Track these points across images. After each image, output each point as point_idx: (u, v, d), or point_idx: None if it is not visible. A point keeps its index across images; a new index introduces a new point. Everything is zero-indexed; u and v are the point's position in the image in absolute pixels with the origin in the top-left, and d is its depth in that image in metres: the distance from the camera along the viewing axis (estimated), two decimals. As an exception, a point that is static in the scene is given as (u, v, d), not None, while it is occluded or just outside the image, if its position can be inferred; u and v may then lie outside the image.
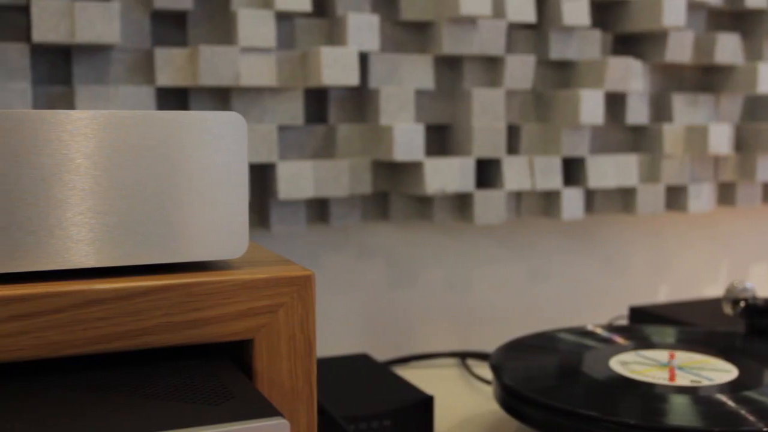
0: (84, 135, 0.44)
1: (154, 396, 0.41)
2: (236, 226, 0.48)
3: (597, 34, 1.04)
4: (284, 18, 0.92)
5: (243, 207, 0.48)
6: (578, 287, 1.11)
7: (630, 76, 1.02)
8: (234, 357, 0.51)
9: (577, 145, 1.02)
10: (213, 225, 0.48)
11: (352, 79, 0.89)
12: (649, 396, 0.65)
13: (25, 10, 0.84)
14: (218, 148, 0.47)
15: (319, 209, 0.96)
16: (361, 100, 0.96)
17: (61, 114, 0.44)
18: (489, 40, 0.97)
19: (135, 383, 0.44)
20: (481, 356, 1.00)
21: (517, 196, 1.03)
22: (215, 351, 0.50)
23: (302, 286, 0.48)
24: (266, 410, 0.39)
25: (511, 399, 0.68)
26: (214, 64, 0.85)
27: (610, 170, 1.04)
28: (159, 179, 0.46)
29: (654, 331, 0.82)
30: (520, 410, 0.67)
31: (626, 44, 1.09)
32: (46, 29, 0.80)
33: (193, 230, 0.47)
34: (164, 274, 0.47)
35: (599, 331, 0.82)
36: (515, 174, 0.99)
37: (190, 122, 0.46)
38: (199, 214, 0.47)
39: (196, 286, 0.46)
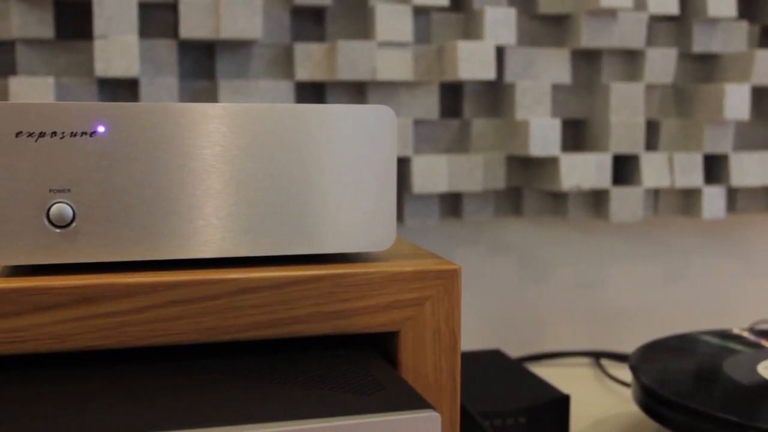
0: (240, 127, 0.46)
1: (305, 384, 0.42)
2: (384, 218, 0.49)
3: (743, 26, 1.00)
4: (421, 12, 0.92)
5: (391, 200, 0.49)
6: (717, 289, 1.07)
7: (778, 69, 0.98)
8: (377, 348, 0.52)
9: (719, 142, 0.98)
10: (362, 217, 0.48)
11: (489, 73, 0.88)
12: (801, 404, 0.62)
13: (173, 7, 0.87)
14: (369, 141, 0.48)
15: (452, 204, 0.96)
16: (496, 94, 0.95)
17: (219, 107, 0.45)
18: (629, 32, 0.95)
19: (285, 370, 0.44)
20: (616, 356, 0.98)
21: (655, 194, 1.00)
22: (358, 341, 0.51)
23: (449, 280, 0.48)
24: (417, 402, 0.39)
25: (651, 400, 0.66)
26: (352, 58, 0.86)
27: (755, 168, 0.99)
28: (311, 171, 0.47)
29: (803, 337, 0.78)
30: (660, 412, 0.65)
31: (774, 36, 1.05)
32: (192, 25, 0.83)
33: (343, 222, 0.48)
34: (314, 264, 0.48)
35: (745, 334, 0.79)
36: (654, 171, 0.96)
37: (342, 115, 0.47)
38: (349, 206, 0.48)
39: (345, 277, 0.46)
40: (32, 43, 0.83)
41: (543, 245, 1.00)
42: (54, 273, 0.45)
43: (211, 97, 0.87)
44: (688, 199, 1.00)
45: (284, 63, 0.89)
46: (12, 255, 0.44)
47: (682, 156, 0.97)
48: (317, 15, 0.91)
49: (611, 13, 0.93)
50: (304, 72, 0.87)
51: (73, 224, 0.44)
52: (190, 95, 0.87)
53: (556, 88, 0.97)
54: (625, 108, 0.95)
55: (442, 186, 0.90)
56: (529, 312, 1.00)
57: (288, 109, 0.46)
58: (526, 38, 0.96)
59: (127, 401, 0.39)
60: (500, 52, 0.94)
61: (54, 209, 0.44)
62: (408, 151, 0.89)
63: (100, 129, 0.44)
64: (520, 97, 0.91)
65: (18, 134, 0.43)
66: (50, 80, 0.80)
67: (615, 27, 0.94)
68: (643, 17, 0.95)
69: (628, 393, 0.87)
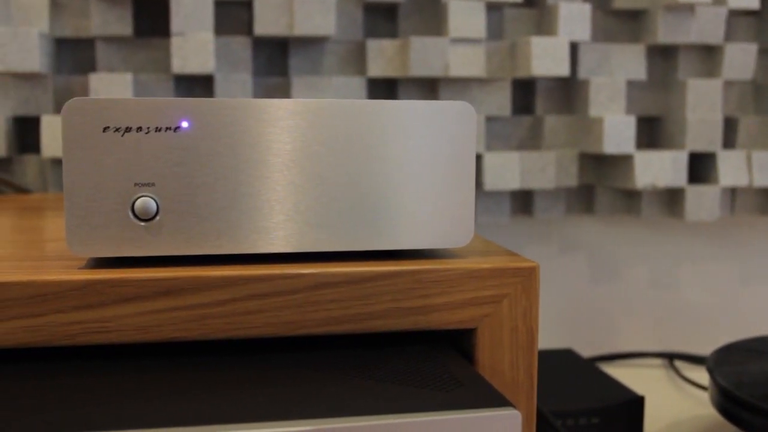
0: (321, 123, 0.46)
1: (384, 379, 0.42)
2: (463, 215, 0.48)
3: (827, 21, 0.97)
4: (494, 8, 0.91)
5: (470, 196, 0.48)
6: (796, 290, 1.05)
7: None
8: (453, 345, 0.52)
9: (800, 139, 0.96)
10: (440, 213, 0.48)
11: (563, 69, 0.87)
12: None
13: (247, 5, 0.88)
14: (448, 137, 0.48)
15: (523, 201, 0.95)
16: (569, 90, 0.94)
17: (299, 103, 0.46)
18: (707, 28, 0.93)
19: (363, 365, 0.45)
20: (690, 358, 0.96)
21: (732, 193, 0.98)
22: (435, 338, 0.51)
23: (527, 278, 0.48)
24: (497, 400, 0.39)
25: (729, 403, 0.65)
26: (424, 54, 0.86)
27: (837, 166, 0.97)
28: (390, 167, 0.47)
29: None
30: (738, 415, 0.64)
31: None
32: (267, 23, 0.83)
33: (421, 218, 0.48)
34: (392, 260, 0.48)
35: (827, 338, 0.77)
36: (731, 169, 0.94)
37: (422, 111, 0.47)
38: (427, 202, 0.48)
39: (423, 273, 0.46)
40: (111, 40, 0.85)
41: (616, 244, 0.99)
42: (138, 265, 0.46)
43: (284, 93, 0.88)
44: (767, 199, 0.98)
45: (357, 59, 0.89)
46: (98, 247, 0.45)
47: (761, 154, 0.94)
48: (390, 11, 0.91)
49: (689, 8, 0.91)
50: (377, 68, 0.87)
51: (157, 218, 0.45)
52: (264, 91, 0.88)
53: (631, 85, 0.95)
54: (703, 105, 0.93)
55: (513, 183, 0.89)
56: (601, 311, 0.99)
57: (368, 105, 0.46)
58: (601, 34, 0.94)
59: (207, 393, 0.40)
60: (574, 48, 0.93)
61: (139, 203, 0.45)
62: (480, 148, 0.89)
63: (184, 124, 0.45)
64: (594, 94, 0.90)
65: (105, 129, 0.44)
66: (128, 76, 0.82)
67: (693, 22, 0.92)
68: (722, 12, 0.93)
69: (703, 395, 0.85)
